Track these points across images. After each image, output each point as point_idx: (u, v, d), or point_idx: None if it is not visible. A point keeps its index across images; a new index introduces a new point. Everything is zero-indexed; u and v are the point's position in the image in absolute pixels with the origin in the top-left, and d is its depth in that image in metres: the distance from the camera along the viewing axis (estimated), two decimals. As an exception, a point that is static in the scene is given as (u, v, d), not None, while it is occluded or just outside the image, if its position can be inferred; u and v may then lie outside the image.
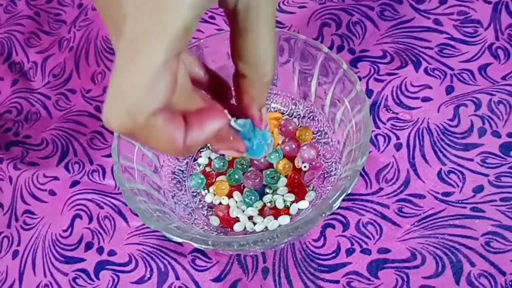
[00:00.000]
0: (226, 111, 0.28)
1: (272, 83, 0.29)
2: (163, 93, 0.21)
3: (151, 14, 0.20)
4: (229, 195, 0.41)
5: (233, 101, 0.31)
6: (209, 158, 0.43)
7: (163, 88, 0.21)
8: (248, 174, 0.41)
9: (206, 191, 0.42)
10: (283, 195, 0.40)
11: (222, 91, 0.31)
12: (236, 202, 0.41)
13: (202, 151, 0.44)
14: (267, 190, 0.41)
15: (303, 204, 0.39)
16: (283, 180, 0.41)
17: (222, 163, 0.42)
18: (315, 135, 0.42)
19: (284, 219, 0.38)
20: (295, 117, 0.43)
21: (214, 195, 0.41)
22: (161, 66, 0.20)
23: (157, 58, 0.20)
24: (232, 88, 0.30)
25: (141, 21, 0.20)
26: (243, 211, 0.40)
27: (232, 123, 0.29)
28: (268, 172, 0.41)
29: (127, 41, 0.21)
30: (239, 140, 0.30)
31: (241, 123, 0.30)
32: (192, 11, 0.20)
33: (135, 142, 0.37)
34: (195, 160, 0.43)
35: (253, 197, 0.40)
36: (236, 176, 0.41)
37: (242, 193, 0.41)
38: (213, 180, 0.42)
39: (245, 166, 0.42)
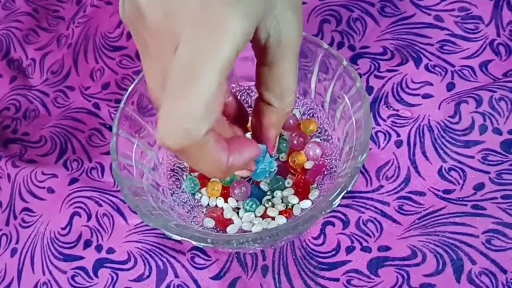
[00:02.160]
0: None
1: None
2: (217, 112, 0.24)
3: (207, 41, 0.22)
4: (224, 196, 0.41)
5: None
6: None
7: (217, 107, 0.23)
8: (235, 184, 0.40)
9: (200, 194, 0.41)
10: (287, 197, 0.39)
11: (241, 116, 0.33)
12: (231, 206, 0.40)
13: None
14: (268, 192, 0.40)
15: (306, 203, 0.39)
16: (288, 181, 0.40)
17: None
18: (315, 132, 0.42)
19: (281, 219, 0.38)
20: (294, 114, 0.43)
21: (209, 197, 0.41)
22: (217, 87, 0.22)
23: (214, 79, 0.22)
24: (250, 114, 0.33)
25: (197, 49, 0.22)
26: (238, 214, 0.39)
27: None
28: (273, 180, 0.40)
29: (183, 65, 0.22)
30: (251, 161, 0.32)
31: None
32: (244, 36, 0.23)
33: (134, 140, 0.37)
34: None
35: (253, 205, 0.39)
36: (227, 178, 0.40)
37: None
38: (208, 182, 0.41)
39: None
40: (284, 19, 0.26)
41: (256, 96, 0.32)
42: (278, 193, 0.39)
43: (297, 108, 0.43)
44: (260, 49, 0.28)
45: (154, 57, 0.25)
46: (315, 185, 0.40)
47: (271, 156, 0.34)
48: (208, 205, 0.41)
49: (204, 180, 0.41)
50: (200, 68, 0.22)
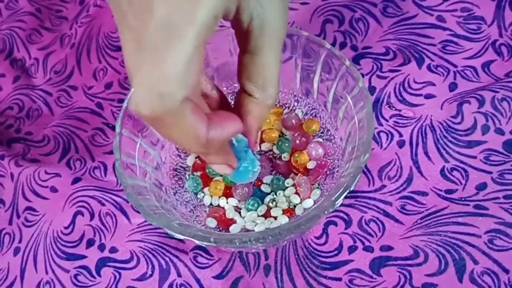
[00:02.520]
0: None
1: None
2: (194, 78, 0.23)
3: (184, 6, 0.21)
4: (226, 195, 0.41)
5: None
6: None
7: (193, 73, 0.22)
8: (237, 184, 0.40)
9: (203, 194, 0.41)
10: (289, 196, 0.40)
11: (225, 109, 0.32)
12: (233, 206, 0.40)
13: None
14: (271, 193, 0.40)
15: (308, 202, 0.39)
16: (289, 181, 0.40)
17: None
18: (317, 132, 0.42)
19: (283, 219, 0.38)
20: (296, 114, 0.43)
21: (211, 196, 0.41)
22: (193, 51, 0.22)
23: (191, 43, 0.21)
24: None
25: (174, 9, 0.21)
26: (240, 213, 0.39)
27: None
28: (274, 180, 0.40)
29: (159, 27, 0.22)
30: (232, 155, 0.31)
31: (238, 138, 0.31)
32: (222, 3, 0.22)
33: (137, 139, 0.37)
34: (197, 157, 0.43)
35: (255, 204, 0.39)
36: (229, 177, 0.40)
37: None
38: (210, 181, 0.41)
39: None
40: (268, 4, 0.26)
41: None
42: (280, 193, 0.40)
43: (299, 108, 0.43)
44: (243, 33, 0.27)
45: (130, 24, 0.24)
46: (317, 185, 0.40)
47: (253, 154, 0.33)
48: (210, 204, 0.41)
49: (206, 179, 0.41)
50: (177, 29, 0.21)
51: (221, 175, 0.41)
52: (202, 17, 0.21)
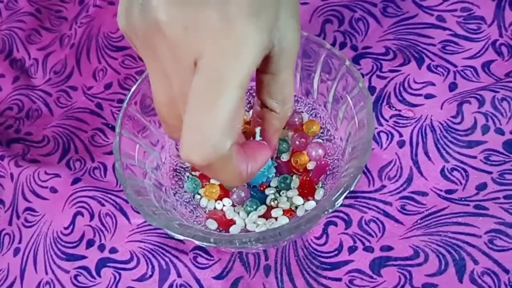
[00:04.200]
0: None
1: None
2: (239, 125, 0.25)
3: (230, 59, 0.23)
4: (222, 198, 0.40)
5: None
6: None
7: (239, 120, 0.24)
8: (233, 189, 0.40)
9: (199, 196, 0.41)
10: (291, 198, 0.39)
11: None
12: (230, 206, 0.40)
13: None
14: (272, 192, 0.40)
15: (310, 204, 0.38)
16: (295, 181, 0.40)
17: None
18: (317, 133, 0.42)
19: (284, 220, 0.38)
20: (300, 113, 0.43)
21: (208, 200, 0.40)
22: (238, 101, 0.23)
23: (237, 93, 0.23)
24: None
25: (220, 61, 0.23)
26: (239, 213, 0.39)
27: None
28: (281, 179, 0.40)
29: (206, 78, 0.23)
30: None
31: None
32: (263, 50, 0.24)
33: (137, 139, 0.37)
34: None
35: (254, 206, 0.39)
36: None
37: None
38: (206, 183, 0.41)
39: None
40: (287, 28, 0.27)
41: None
42: (284, 192, 0.39)
43: (299, 108, 0.43)
44: (264, 58, 0.28)
45: (168, 71, 0.25)
46: (320, 184, 0.40)
47: (272, 160, 0.35)
48: (206, 207, 0.40)
49: (204, 180, 0.41)
50: (223, 80, 0.23)
51: None
52: (246, 70, 0.23)
